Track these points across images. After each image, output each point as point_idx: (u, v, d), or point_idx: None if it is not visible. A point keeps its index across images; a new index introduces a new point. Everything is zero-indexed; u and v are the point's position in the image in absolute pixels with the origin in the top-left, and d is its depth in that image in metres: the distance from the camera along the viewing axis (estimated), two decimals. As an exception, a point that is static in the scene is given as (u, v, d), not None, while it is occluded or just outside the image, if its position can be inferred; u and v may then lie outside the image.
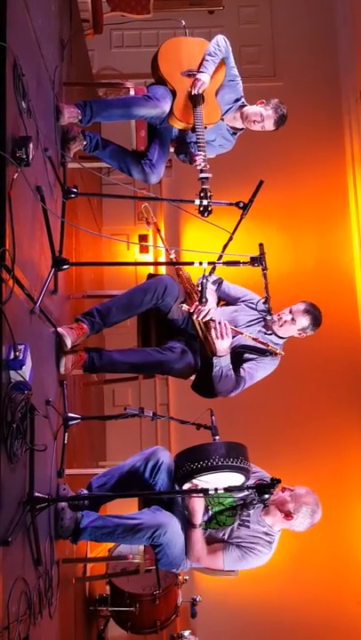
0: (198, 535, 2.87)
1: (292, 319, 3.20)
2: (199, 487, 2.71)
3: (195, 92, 3.34)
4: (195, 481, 2.72)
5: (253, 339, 3.12)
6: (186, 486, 2.76)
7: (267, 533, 2.91)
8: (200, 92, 3.34)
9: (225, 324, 3.08)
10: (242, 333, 3.15)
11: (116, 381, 4.73)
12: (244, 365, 3.22)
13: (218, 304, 3.43)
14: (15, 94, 2.34)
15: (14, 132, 2.30)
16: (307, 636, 5.33)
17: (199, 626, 4.83)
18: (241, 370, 3.21)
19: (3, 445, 2.03)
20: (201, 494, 2.70)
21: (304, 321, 3.20)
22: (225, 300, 3.47)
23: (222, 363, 3.11)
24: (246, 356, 3.23)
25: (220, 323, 3.08)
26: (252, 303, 3.33)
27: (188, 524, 2.87)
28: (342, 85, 6.39)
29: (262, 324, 3.28)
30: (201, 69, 3.38)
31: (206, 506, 2.95)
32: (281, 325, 3.23)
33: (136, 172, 3.52)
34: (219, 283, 3.45)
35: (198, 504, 2.88)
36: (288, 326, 3.23)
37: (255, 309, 3.30)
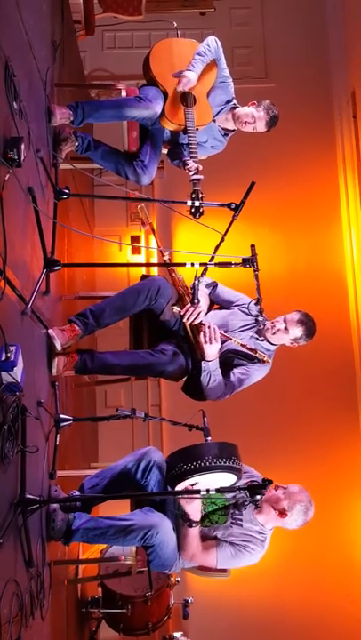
0: (195, 533, 2.86)
1: (286, 328, 3.17)
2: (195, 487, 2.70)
3: (179, 88, 3.34)
4: (189, 481, 2.71)
5: (242, 345, 3.09)
6: (182, 487, 2.74)
7: (259, 532, 2.91)
8: (185, 89, 3.34)
9: (214, 329, 3.07)
10: (231, 339, 3.11)
11: (108, 382, 4.72)
12: (235, 370, 3.21)
13: (212, 308, 3.43)
14: (7, 95, 2.34)
15: (6, 133, 2.30)
16: (299, 635, 5.34)
17: (191, 627, 4.83)
18: (231, 375, 3.20)
19: (-6, 447, 2.03)
20: (192, 495, 2.70)
21: (297, 331, 3.17)
22: (219, 303, 3.45)
23: (211, 367, 3.09)
24: (237, 361, 3.22)
25: (209, 327, 3.06)
26: (246, 307, 3.30)
27: (184, 522, 2.85)
28: (333, 87, 6.41)
29: (255, 329, 3.25)
30: (188, 67, 3.38)
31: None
32: (274, 333, 3.20)
33: (128, 173, 3.52)
34: (213, 286, 3.44)
35: (197, 503, 2.86)
36: (281, 335, 3.20)
37: (249, 314, 3.28)
